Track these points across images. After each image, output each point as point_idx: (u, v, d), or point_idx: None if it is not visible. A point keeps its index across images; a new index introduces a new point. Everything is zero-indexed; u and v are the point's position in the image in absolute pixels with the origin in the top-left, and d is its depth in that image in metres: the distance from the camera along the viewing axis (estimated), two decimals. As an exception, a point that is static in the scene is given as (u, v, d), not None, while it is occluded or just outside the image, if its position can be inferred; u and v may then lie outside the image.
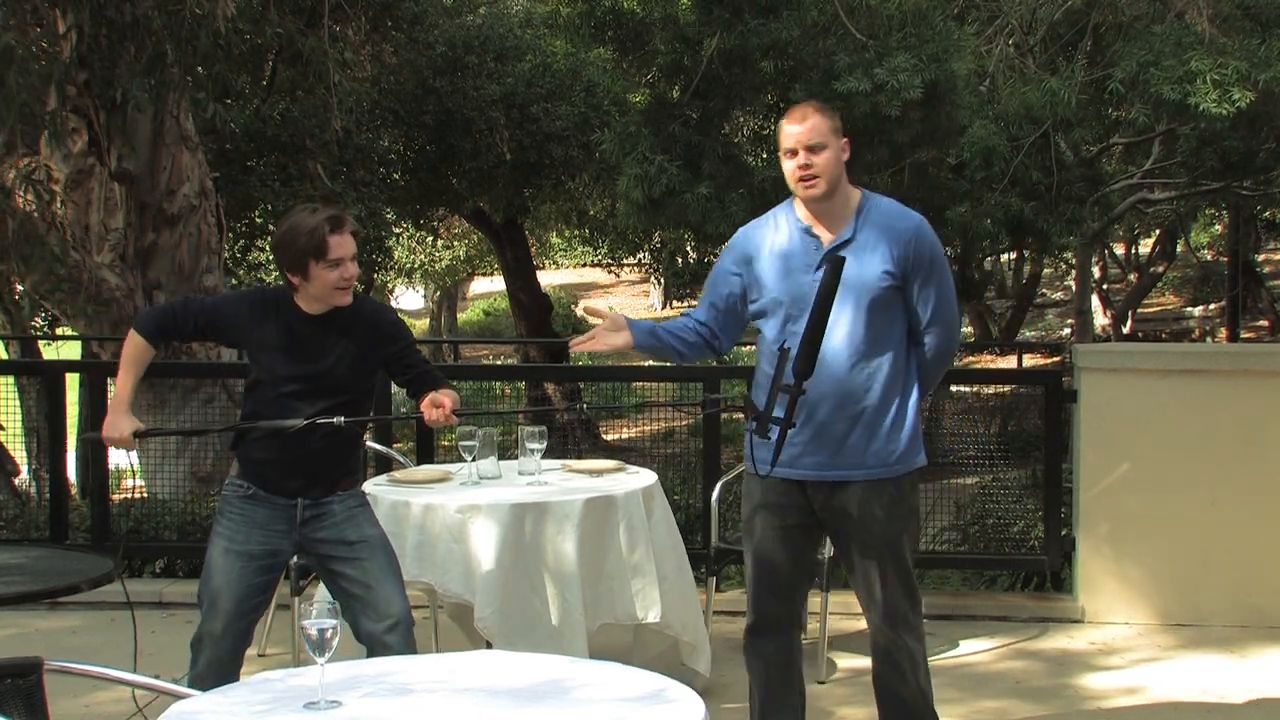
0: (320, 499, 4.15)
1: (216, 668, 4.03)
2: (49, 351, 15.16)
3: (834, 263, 3.57)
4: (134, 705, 3.57)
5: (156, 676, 3.42)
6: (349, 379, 4.11)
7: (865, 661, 5.69)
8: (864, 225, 3.88)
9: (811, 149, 3.81)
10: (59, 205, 9.14)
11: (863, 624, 5.79)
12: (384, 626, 4.06)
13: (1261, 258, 25.94)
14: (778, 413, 3.55)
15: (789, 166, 3.86)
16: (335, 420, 3.95)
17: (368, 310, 4.20)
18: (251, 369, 4.16)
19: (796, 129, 3.83)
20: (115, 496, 8.24)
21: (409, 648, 4.07)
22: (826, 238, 3.88)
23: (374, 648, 4.05)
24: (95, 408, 7.25)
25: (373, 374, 4.21)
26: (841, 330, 3.83)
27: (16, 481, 11.72)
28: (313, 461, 4.11)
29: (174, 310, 4.21)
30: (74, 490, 8.49)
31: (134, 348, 4.14)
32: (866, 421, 3.89)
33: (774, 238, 3.96)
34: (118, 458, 8.27)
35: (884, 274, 3.85)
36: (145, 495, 8.31)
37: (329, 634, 2.78)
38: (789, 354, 3.56)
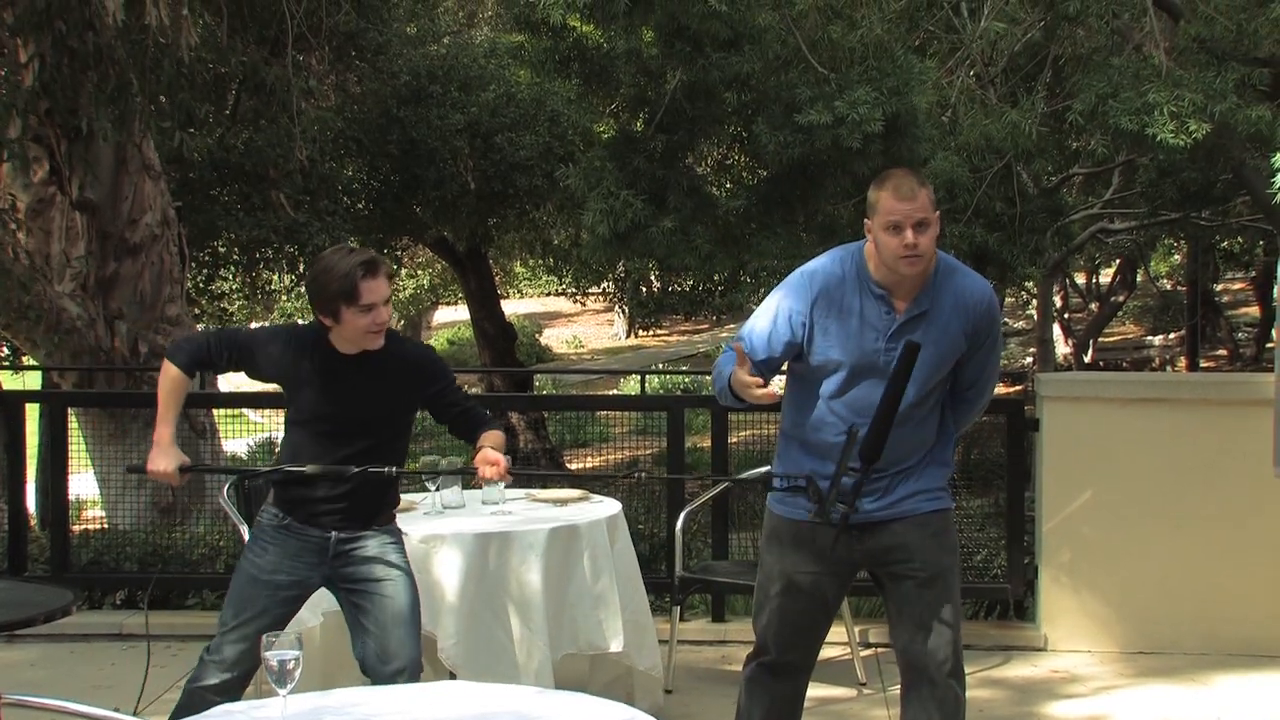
0: (355, 533, 4.11)
1: (223, 692, 3.97)
2: (14, 382, 15.00)
3: (909, 349, 3.51)
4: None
5: (116, 709, 3.40)
6: (384, 420, 4.07)
7: (832, 691, 5.72)
8: (938, 296, 3.77)
9: (918, 227, 3.65)
10: (22, 234, 9.09)
11: (830, 651, 5.80)
12: (390, 671, 3.98)
13: (1220, 287, 26.19)
14: (843, 492, 3.56)
15: (890, 241, 3.66)
16: (386, 470, 3.95)
17: (406, 351, 4.15)
18: (289, 406, 4.11)
19: (906, 206, 3.64)
20: (75, 528, 8.17)
21: None
22: (901, 307, 3.76)
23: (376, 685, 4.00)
24: (55, 438, 7.18)
25: (410, 414, 4.16)
26: (908, 393, 3.68)
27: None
28: (350, 500, 4.07)
29: (208, 342, 4.12)
30: (33, 521, 8.41)
31: (170, 380, 4.04)
32: (915, 468, 3.88)
33: (847, 294, 3.79)
34: (78, 488, 8.19)
35: (957, 351, 3.80)
36: (106, 526, 8.23)
37: (290, 665, 2.78)
38: (857, 436, 3.55)
